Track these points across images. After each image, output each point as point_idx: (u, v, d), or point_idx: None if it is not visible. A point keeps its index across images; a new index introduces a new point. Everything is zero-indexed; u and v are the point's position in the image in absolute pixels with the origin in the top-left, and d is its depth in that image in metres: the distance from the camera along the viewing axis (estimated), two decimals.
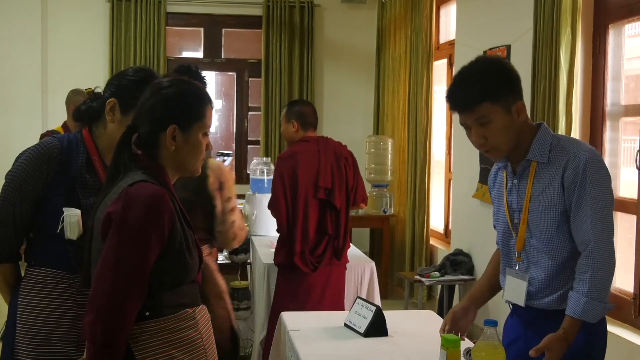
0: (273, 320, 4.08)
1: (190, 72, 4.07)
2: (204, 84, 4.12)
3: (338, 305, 4.07)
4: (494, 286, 2.50)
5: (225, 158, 3.11)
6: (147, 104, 1.96)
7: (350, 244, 4.23)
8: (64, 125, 5.16)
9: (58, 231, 2.21)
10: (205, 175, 2.89)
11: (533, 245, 2.24)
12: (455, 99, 2.26)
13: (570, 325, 2.13)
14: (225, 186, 2.95)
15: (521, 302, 2.26)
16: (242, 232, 3.05)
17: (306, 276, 3.97)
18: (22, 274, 2.33)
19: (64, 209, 2.21)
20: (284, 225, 3.99)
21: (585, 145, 2.27)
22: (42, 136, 4.64)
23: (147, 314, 1.86)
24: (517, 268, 2.29)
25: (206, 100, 2.03)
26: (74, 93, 5.09)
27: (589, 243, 2.13)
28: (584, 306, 2.11)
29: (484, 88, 2.19)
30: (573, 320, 2.12)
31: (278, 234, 4.09)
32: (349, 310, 2.91)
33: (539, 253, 2.23)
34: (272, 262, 4.13)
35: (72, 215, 2.20)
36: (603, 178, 2.17)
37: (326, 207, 3.99)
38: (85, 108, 2.32)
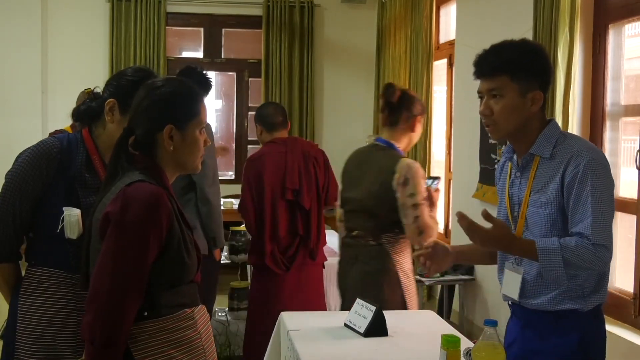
0: (250, 319, 4.13)
1: (195, 74, 4.07)
2: (210, 85, 4.13)
3: (317, 305, 4.07)
4: (481, 253, 2.49)
5: (436, 180, 3.37)
6: (141, 106, 1.96)
7: (326, 243, 4.24)
8: (73, 125, 5.17)
9: (58, 231, 2.21)
10: (393, 172, 3.19)
11: None
12: (480, 63, 2.24)
13: (527, 242, 2.13)
14: (410, 183, 3.18)
15: (515, 296, 2.24)
16: (429, 229, 3.21)
17: (278, 276, 3.99)
18: (23, 273, 2.33)
19: (64, 208, 2.21)
20: (252, 227, 4.03)
21: (590, 146, 2.23)
22: (50, 135, 4.65)
23: (146, 314, 1.86)
24: (512, 261, 2.27)
25: (199, 97, 2.03)
26: (84, 94, 5.10)
27: (586, 237, 2.06)
28: (551, 247, 2.07)
29: (510, 62, 2.18)
30: (532, 244, 2.10)
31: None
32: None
33: None
34: None
35: (71, 215, 2.20)
36: (604, 181, 2.12)
37: (295, 208, 4.01)
38: (84, 108, 2.33)
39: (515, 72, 2.17)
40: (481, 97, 2.25)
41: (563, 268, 2.07)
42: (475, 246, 2.48)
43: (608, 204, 2.11)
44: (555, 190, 2.15)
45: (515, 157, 2.30)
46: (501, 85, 2.18)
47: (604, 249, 2.08)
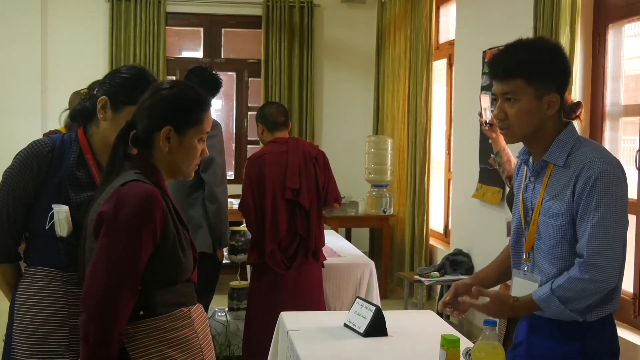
0: (249, 318, 4.14)
1: (206, 73, 4.08)
2: (220, 85, 4.14)
3: (317, 304, 4.07)
4: (502, 273, 2.43)
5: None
6: (146, 103, 1.97)
7: (325, 243, 4.24)
8: (68, 125, 5.17)
9: (47, 228, 2.21)
10: None
11: (539, 248, 2.17)
12: (495, 64, 2.16)
13: (525, 300, 2.11)
14: None
15: None
16: None
17: (278, 276, 4.00)
18: None
19: (53, 205, 2.21)
20: (252, 226, 4.03)
21: (605, 155, 2.13)
22: (45, 136, 4.66)
23: (141, 313, 1.87)
24: (525, 269, 2.22)
25: (206, 107, 2.02)
26: (76, 95, 5.11)
27: (581, 256, 2.05)
28: (544, 295, 2.06)
29: (524, 64, 2.09)
30: (530, 299, 2.09)
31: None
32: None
33: (543, 257, 2.16)
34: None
35: (60, 212, 2.19)
36: (614, 194, 2.03)
37: (295, 208, 4.01)
38: (79, 108, 2.34)
39: (530, 75, 2.08)
40: (495, 100, 2.18)
41: (564, 307, 2.05)
42: (491, 268, 2.48)
43: (615, 219, 2.03)
44: (567, 201, 2.08)
45: (531, 159, 2.23)
46: (515, 89, 2.09)
47: (597, 269, 2.02)
